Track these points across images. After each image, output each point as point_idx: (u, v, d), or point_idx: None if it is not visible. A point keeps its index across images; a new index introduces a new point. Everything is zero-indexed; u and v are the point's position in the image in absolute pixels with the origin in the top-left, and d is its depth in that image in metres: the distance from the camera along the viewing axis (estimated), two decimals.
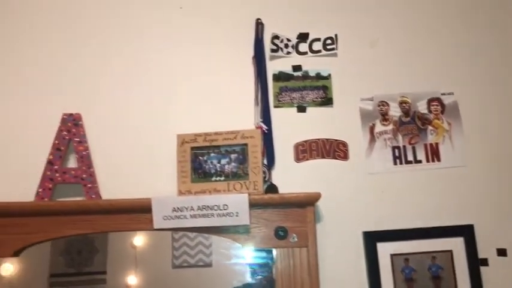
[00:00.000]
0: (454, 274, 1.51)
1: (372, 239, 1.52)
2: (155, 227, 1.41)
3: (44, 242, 1.44)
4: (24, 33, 1.64)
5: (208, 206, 1.40)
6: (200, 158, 1.50)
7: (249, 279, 1.60)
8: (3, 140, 1.55)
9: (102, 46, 1.64)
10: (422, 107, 1.63)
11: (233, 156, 1.50)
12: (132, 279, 1.67)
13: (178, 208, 1.41)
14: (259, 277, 1.58)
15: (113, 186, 1.51)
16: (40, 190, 1.45)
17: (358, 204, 1.56)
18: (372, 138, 1.61)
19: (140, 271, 1.69)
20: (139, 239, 1.68)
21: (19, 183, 1.48)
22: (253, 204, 1.42)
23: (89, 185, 1.47)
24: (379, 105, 1.64)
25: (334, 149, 1.60)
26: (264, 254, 1.53)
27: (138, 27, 1.66)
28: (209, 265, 1.67)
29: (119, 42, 1.65)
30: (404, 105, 1.63)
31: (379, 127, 1.62)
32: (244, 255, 1.59)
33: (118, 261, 1.72)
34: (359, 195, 1.57)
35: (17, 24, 1.64)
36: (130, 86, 1.61)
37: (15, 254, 1.42)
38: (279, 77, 1.65)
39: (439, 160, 1.59)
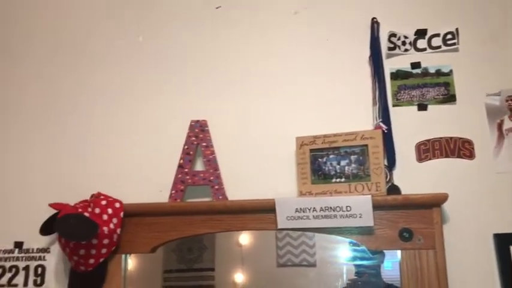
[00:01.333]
0: None
1: (504, 241, 1.44)
2: (279, 226, 1.46)
3: (177, 239, 1.55)
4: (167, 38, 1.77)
5: (331, 207, 1.42)
6: (319, 159, 1.52)
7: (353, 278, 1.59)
8: (140, 146, 1.68)
9: (223, 56, 1.73)
10: None
11: (353, 157, 1.50)
12: (239, 276, 1.73)
13: (301, 209, 1.44)
14: (365, 276, 1.58)
15: (237, 188, 1.58)
16: (173, 192, 1.56)
17: (487, 205, 1.49)
18: (501, 136, 1.52)
19: (246, 269, 1.75)
20: (244, 238, 1.74)
21: (153, 186, 1.61)
22: (376, 206, 1.41)
23: (216, 187, 1.55)
24: (507, 100, 1.54)
25: (459, 148, 1.54)
26: (368, 255, 1.52)
27: (256, 33, 1.72)
28: (313, 265, 1.69)
29: (239, 50, 1.72)
30: None
31: (508, 123, 1.53)
32: (348, 255, 1.60)
33: (225, 259, 1.78)
34: (487, 195, 1.49)
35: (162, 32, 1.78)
36: (250, 92, 1.68)
37: (152, 250, 1.55)
38: (397, 75, 1.62)
39: None
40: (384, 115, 1.57)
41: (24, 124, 1.76)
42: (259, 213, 1.50)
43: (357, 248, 1.53)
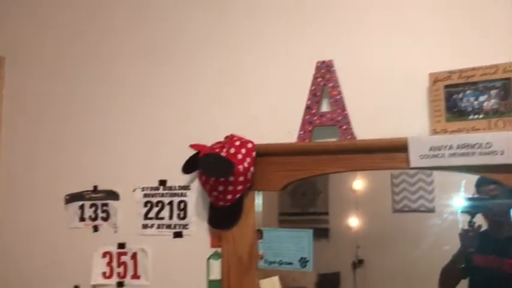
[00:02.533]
0: None
1: None
2: (412, 165, 1.44)
3: (307, 178, 1.60)
4: None
5: (469, 145, 1.36)
6: (455, 96, 1.45)
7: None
8: (269, 90, 1.73)
9: None
10: None
11: (493, 92, 1.41)
12: (353, 220, 1.74)
13: (436, 147, 1.40)
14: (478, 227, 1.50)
15: (365, 127, 1.57)
16: (301, 133, 1.60)
17: None
18: None
19: (361, 214, 1.76)
20: (358, 183, 1.73)
21: (283, 127, 1.66)
22: None
23: (344, 127, 1.56)
24: None
25: None
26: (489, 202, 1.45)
27: None
28: (432, 210, 1.64)
29: None
30: None
31: None
32: (470, 202, 1.54)
33: (339, 204, 1.80)
34: None
35: None
36: (376, 28, 1.62)
37: (283, 188, 1.62)
38: None
39: None
40: None
41: (167, 70, 1.88)
42: (390, 152, 1.49)
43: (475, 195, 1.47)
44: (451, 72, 1.46)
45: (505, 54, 1.46)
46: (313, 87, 1.62)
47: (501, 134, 1.34)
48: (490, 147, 1.34)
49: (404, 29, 1.60)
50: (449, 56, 1.52)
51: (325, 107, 1.64)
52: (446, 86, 1.46)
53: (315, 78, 1.62)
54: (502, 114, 1.39)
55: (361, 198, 1.77)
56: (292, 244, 1.59)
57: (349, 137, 1.56)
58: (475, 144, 1.36)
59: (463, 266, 1.56)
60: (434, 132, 1.46)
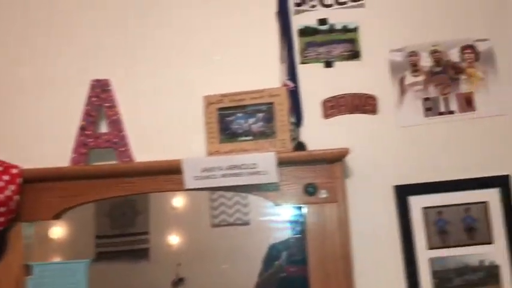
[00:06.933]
0: (489, 225, 1.48)
1: (403, 192, 1.50)
2: (186, 187, 1.44)
3: (81, 205, 1.49)
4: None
5: (237, 165, 1.42)
6: (227, 118, 1.51)
7: (286, 236, 1.62)
8: (39, 107, 1.60)
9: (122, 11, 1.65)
10: (454, 56, 1.57)
11: (260, 115, 1.50)
12: (174, 238, 1.72)
13: (208, 168, 1.43)
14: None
15: (145, 149, 1.54)
16: (75, 155, 1.50)
17: (389, 158, 1.55)
18: (402, 91, 1.57)
19: (181, 231, 1.74)
20: (178, 201, 1.72)
21: (53, 150, 1.53)
22: (281, 162, 1.42)
23: (121, 149, 1.50)
24: (409, 56, 1.58)
25: (363, 104, 1.57)
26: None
27: None
28: (247, 223, 1.71)
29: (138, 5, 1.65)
30: (435, 54, 1.57)
31: (409, 79, 1.58)
32: (281, 213, 1.60)
33: (160, 222, 1.76)
34: (390, 149, 1.55)
35: None
36: (156, 50, 1.62)
37: (55, 217, 1.49)
38: (305, 31, 1.61)
39: (473, 110, 1.54)
40: (292, 72, 1.56)
41: None
42: (169, 174, 1.47)
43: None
44: (224, 96, 1.51)
45: (272, 80, 1.57)
46: (87, 107, 1.53)
47: (264, 155, 1.42)
48: (255, 167, 1.41)
49: (184, 51, 1.62)
50: (223, 80, 1.58)
51: (104, 128, 1.56)
52: (220, 109, 1.51)
53: (90, 97, 1.53)
54: (267, 136, 1.48)
55: (182, 215, 1.73)
56: (65, 278, 1.46)
57: (127, 159, 1.50)
58: (242, 164, 1.41)
59: (280, 275, 1.60)
60: (210, 153, 1.49)
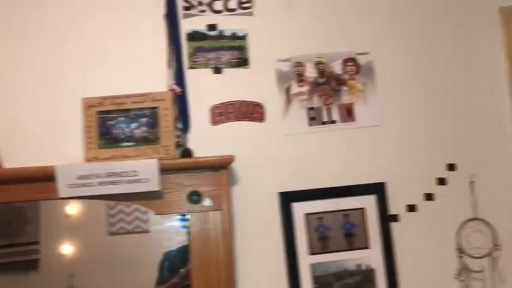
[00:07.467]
0: (366, 231, 1.55)
1: (286, 199, 1.53)
2: (60, 195, 1.35)
3: None
4: None
5: (116, 173, 1.35)
6: (108, 122, 1.43)
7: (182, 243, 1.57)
8: None
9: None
10: (337, 68, 1.63)
11: (143, 120, 1.44)
12: (67, 248, 1.62)
13: (84, 176, 1.34)
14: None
15: (17, 155, 1.42)
16: None
17: (274, 166, 1.56)
18: (288, 100, 1.60)
19: (75, 240, 1.64)
20: (72, 208, 1.62)
21: None
22: (165, 170, 1.38)
23: None
24: (295, 66, 1.62)
25: (251, 111, 1.58)
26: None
27: None
28: (147, 231, 1.64)
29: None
30: (319, 66, 1.62)
31: (295, 88, 1.61)
32: (182, 220, 1.56)
33: (52, 231, 1.65)
34: (275, 156, 1.57)
35: None
36: (33, 48, 1.50)
37: None
38: (193, 36, 1.59)
39: (353, 120, 1.61)
40: (179, 77, 1.53)
41: None
42: (44, 181, 1.37)
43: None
44: (104, 98, 1.43)
45: (159, 84, 1.52)
46: None
47: (145, 162, 1.36)
48: (136, 175, 1.35)
49: (60, 50, 1.52)
50: (105, 83, 1.50)
51: None
52: (100, 112, 1.43)
53: None
54: (150, 142, 1.43)
55: (76, 224, 1.62)
56: None
57: None
58: (122, 172, 1.35)
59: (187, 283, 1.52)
60: (88, 160, 1.40)
